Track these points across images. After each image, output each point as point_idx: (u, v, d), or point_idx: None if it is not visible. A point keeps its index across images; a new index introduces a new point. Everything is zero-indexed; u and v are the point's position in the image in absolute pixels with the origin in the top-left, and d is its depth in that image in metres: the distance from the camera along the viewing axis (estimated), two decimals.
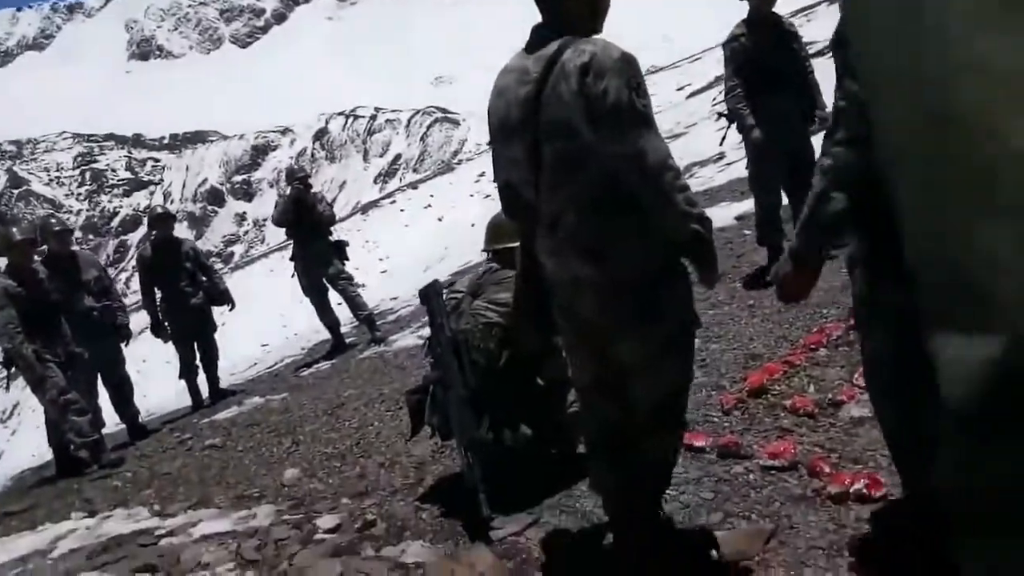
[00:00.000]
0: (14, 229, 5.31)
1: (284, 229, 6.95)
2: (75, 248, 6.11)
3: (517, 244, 2.96)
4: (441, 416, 2.94)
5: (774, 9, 4.76)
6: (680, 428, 2.23)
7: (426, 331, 3.38)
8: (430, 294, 2.95)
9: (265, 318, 19.42)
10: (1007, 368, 0.60)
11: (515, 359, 2.86)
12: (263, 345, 15.06)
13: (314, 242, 6.80)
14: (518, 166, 2.06)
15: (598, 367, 2.17)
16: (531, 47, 2.04)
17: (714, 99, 15.50)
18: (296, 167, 7.34)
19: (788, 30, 4.77)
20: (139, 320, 10.33)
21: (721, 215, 7.12)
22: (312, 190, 6.89)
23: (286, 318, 17.69)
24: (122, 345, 6.13)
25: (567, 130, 1.92)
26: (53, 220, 6.03)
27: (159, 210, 6.64)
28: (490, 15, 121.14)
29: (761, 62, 4.63)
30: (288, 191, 6.84)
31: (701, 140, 13.05)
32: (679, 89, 26.00)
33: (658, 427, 2.14)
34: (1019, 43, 0.58)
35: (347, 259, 6.91)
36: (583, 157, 1.94)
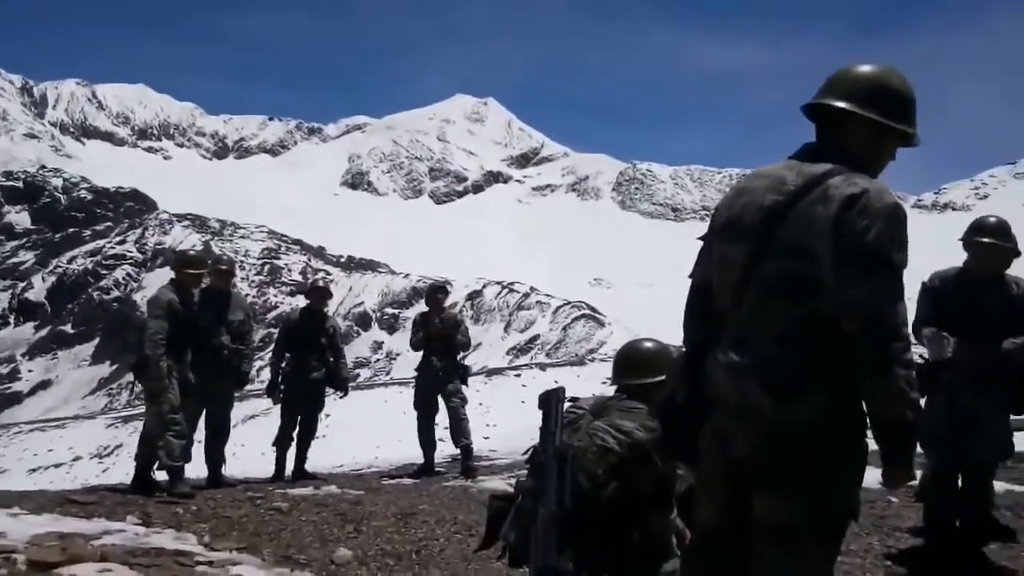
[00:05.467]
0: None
1: (417, 336, 7.05)
2: (233, 288, 6.47)
3: (649, 380, 2.80)
4: (521, 533, 2.67)
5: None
6: None
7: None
8: (551, 399, 2.79)
9: (361, 439, 19.60)
10: None
11: (622, 496, 2.60)
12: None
13: (444, 357, 6.86)
14: (729, 269, 1.93)
15: (726, 510, 1.91)
16: (795, 160, 1.94)
17: None
18: (438, 284, 7.65)
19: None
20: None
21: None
22: (447, 305, 7.12)
23: (380, 446, 17.75)
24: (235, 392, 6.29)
25: (804, 253, 1.79)
26: (223, 259, 6.51)
27: (320, 283, 7.03)
28: (657, 243, 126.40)
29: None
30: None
31: None
32: None
33: None
34: None
35: (466, 383, 6.89)
36: (808, 286, 1.79)
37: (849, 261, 1.73)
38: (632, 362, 2.96)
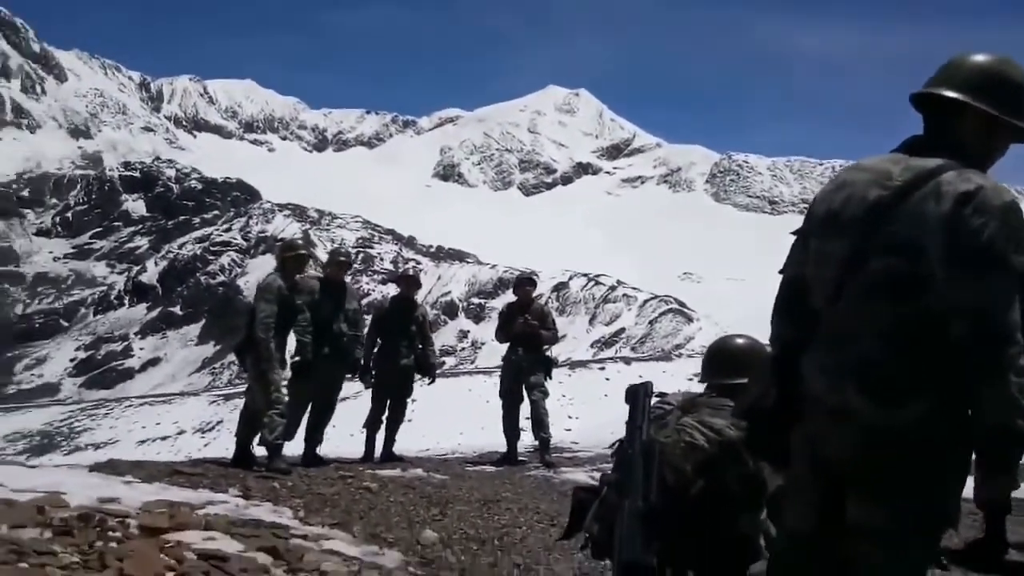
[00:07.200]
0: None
1: (504, 330, 7.11)
2: (347, 279, 6.71)
3: (739, 380, 2.72)
4: (605, 526, 2.66)
5: None
6: None
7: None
8: (639, 392, 2.75)
9: (445, 424, 20.01)
10: None
11: (709, 494, 2.54)
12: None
13: (529, 350, 6.90)
14: (825, 264, 1.85)
15: (816, 514, 1.85)
16: (900, 154, 1.86)
17: None
18: (526, 275, 7.69)
19: None
20: None
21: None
22: (534, 296, 7.14)
23: (464, 432, 18.06)
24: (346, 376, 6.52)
25: (912, 251, 1.70)
26: (342, 250, 6.81)
27: (410, 271, 7.20)
28: (751, 236, 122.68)
29: None
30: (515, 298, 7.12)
31: None
32: None
33: None
34: None
35: (551, 377, 6.91)
36: (915, 286, 1.70)
37: (961, 261, 1.64)
38: (722, 359, 2.88)
